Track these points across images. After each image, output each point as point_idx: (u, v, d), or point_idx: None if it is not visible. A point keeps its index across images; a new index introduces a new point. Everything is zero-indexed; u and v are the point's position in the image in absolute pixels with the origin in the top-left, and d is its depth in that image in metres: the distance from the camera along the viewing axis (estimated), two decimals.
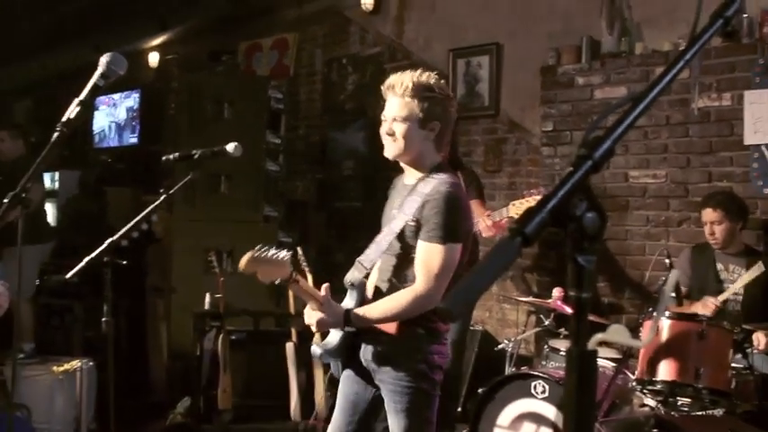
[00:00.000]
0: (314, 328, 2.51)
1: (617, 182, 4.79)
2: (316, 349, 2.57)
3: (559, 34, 5.18)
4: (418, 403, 2.44)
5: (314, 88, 7.19)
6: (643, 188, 4.71)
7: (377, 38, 6.54)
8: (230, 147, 2.98)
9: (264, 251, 2.33)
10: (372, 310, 2.44)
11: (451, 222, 2.35)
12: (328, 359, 2.60)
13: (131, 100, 7.29)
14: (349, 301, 2.52)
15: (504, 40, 5.58)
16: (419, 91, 2.41)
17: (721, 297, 3.77)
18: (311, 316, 2.47)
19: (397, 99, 2.44)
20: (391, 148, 2.48)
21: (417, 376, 2.42)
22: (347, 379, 2.62)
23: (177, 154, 3.08)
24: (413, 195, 2.43)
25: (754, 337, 3.59)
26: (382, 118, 2.50)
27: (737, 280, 3.80)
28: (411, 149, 2.46)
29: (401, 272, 2.47)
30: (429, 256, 2.36)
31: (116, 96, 7.41)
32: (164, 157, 3.13)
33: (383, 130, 2.49)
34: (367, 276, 2.58)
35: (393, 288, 2.47)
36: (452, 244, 2.35)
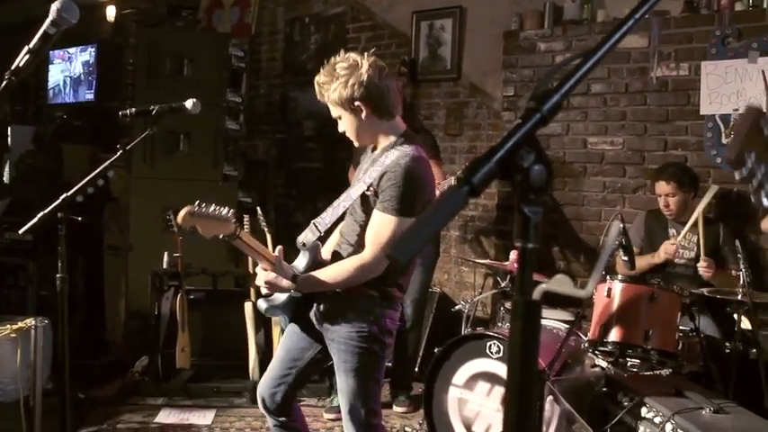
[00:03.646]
0: (263, 289, 2.50)
1: (575, 148, 4.85)
2: (261, 303, 2.58)
3: None
4: (368, 363, 2.48)
5: (276, 47, 7.10)
6: (600, 154, 4.77)
7: None
8: (188, 103, 2.94)
9: (203, 207, 2.32)
10: (318, 276, 2.45)
11: (408, 196, 2.35)
12: (274, 313, 2.62)
13: (87, 54, 7.09)
14: (301, 262, 2.54)
15: (467, 4, 5.56)
16: (328, 84, 2.47)
17: (680, 236, 3.91)
18: (261, 276, 2.47)
19: (326, 102, 2.51)
20: (353, 141, 2.58)
21: (369, 337, 2.46)
22: (293, 334, 2.67)
23: (134, 109, 3.03)
24: (375, 166, 2.44)
25: (699, 266, 3.77)
26: None
27: (695, 218, 3.89)
28: (361, 135, 2.53)
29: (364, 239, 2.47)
30: (380, 227, 2.37)
31: (71, 50, 7.20)
32: (120, 112, 3.08)
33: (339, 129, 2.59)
34: (320, 239, 2.60)
35: (354, 253, 2.48)
36: (405, 218, 2.34)
